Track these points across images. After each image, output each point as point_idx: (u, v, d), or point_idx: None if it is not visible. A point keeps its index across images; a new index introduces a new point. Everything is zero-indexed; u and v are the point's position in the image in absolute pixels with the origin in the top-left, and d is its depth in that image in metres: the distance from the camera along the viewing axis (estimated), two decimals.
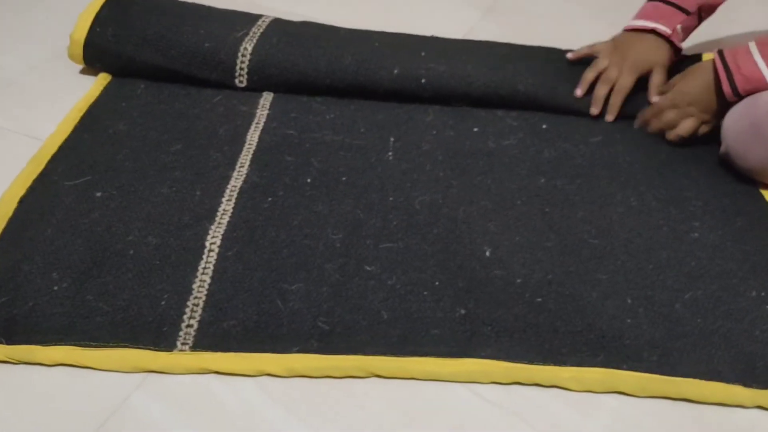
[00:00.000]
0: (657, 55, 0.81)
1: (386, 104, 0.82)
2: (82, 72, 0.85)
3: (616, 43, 0.83)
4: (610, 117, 0.82)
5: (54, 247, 0.60)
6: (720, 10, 0.85)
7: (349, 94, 0.82)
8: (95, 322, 0.54)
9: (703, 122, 0.77)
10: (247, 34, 0.82)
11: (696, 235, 0.68)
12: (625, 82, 0.80)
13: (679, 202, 0.71)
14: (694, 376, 0.54)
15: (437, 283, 0.60)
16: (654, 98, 0.80)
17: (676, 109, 0.77)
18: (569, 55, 0.86)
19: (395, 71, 0.80)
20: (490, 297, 0.59)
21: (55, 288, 0.56)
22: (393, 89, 0.81)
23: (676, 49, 0.82)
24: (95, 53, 0.82)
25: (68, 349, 0.52)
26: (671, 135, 0.78)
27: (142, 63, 0.81)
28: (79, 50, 0.82)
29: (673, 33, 0.80)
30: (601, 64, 0.81)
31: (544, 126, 0.81)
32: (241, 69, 0.81)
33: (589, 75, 0.81)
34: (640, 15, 0.83)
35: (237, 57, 0.80)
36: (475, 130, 0.79)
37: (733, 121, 0.73)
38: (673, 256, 0.65)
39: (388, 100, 0.82)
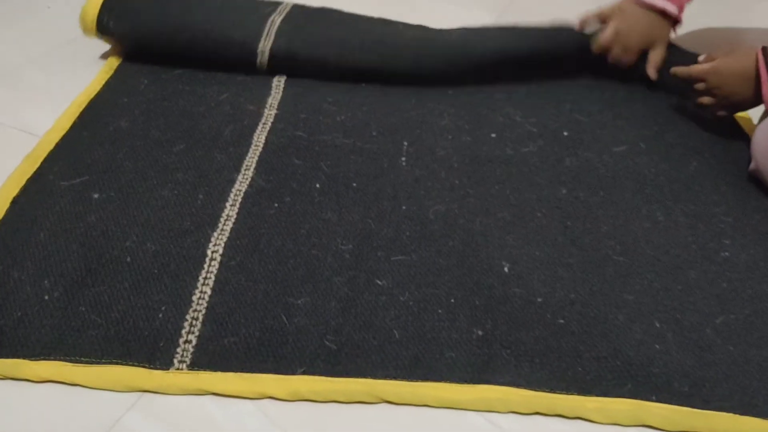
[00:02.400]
0: (660, 32, 0.83)
1: (400, 106, 0.79)
2: (84, 65, 0.81)
3: (621, 12, 0.84)
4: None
5: (47, 252, 0.57)
6: (736, 8, 0.84)
7: (371, 74, 0.82)
8: (87, 335, 0.51)
9: (722, 107, 0.77)
10: (274, 10, 0.83)
11: (726, 254, 0.64)
12: (627, 62, 0.84)
13: (708, 218, 0.67)
14: (728, 410, 0.50)
15: (452, 300, 0.56)
16: (652, 73, 0.83)
17: (704, 84, 0.76)
18: (577, 24, 0.87)
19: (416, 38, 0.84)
20: (509, 317, 0.55)
21: (46, 297, 0.53)
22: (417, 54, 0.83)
23: (676, 23, 0.84)
24: (110, 16, 0.80)
25: (57, 364, 0.49)
26: (690, 103, 0.79)
27: (159, 31, 0.79)
28: (95, 11, 0.79)
29: (680, 12, 0.82)
30: (607, 35, 0.83)
31: (565, 133, 0.77)
32: (266, 41, 0.80)
33: (596, 50, 0.84)
34: None
35: (264, 27, 0.80)
36: (493, 135, 0.76)
37: (764, 137, 0.70)
38: (703, 277, 0.61)
39: (410, 78, 0.83)
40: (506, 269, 0.60)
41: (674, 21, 0.84)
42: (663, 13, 0.82)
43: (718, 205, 0.69)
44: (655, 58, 0.84)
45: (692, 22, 0.93)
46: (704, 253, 0.63)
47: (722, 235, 0.66)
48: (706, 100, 0.77)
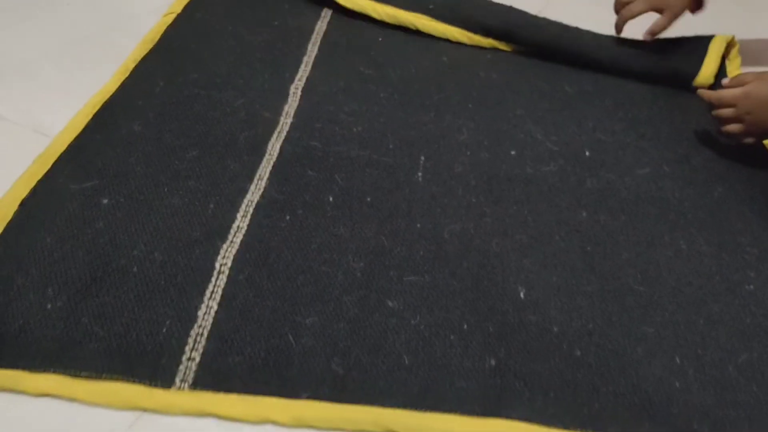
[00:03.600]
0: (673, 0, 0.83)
1: (418, 118, 0.77)
2: (101, 63, 0.80)
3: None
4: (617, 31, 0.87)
5: (52, 258, 0.55)
6: (747, 18, 0.82)
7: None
8: (89, 348, 0.49)
9: (751, 134, 0.73)
10: None
11: (751, 287, 0.61)
12: (635, 8, 0.84)
13: (733, 248, 0.65)
14: None
15: (465, 326, 0.55)
16: (646, 36, 0.85)
17: (733, 109, 0.73)
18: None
19: None
20: (524, 346, 0.54)
21: (49, 306, 0.52)
22: None
23: (698, 3, 0.85)
24: None
25: (57, 378, 0.47)
26: (719, 128, 0.75)
27: None
28: None
29: None
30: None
31: (587, 153, 0.75)
32: None
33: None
34: None
35: None
36: (512, 153, 0.74)
37: None
38: (726, 310, 0.59)
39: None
40: (522, 295, 0.58)
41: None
42: None
43: (743, 234, 0.67)
44: (657, 22, 0.84)
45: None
46: (728, 286, 0.61)
47: (747, 266, 0.63)
48: (734, 127, 0.73)
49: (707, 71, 0.86)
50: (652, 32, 0.85)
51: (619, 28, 0.87)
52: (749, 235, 0.67)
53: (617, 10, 0.87)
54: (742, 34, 0.94)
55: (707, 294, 0.60)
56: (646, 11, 0.84)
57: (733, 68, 0.89)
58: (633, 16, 0.85)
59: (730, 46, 0.91)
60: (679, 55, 0.88)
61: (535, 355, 0.53)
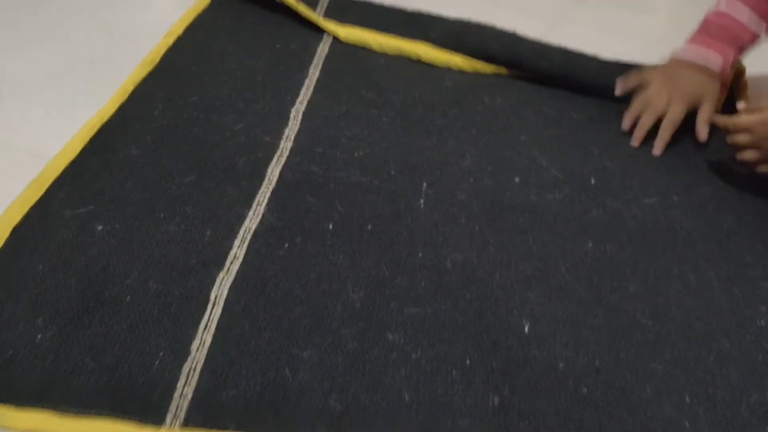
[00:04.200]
0: (707, 89, 0.79)
1: (421, 144, 0.76)
2: (101, 86, 0.79)
3: (666, 71, 0.81)
4: (657, 150, 0.78)
5: (44, 287, 0.54)
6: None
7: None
8: (78, 382, 0.48)
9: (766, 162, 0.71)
10: None
11: (763, 322, 0.60)
12: (676, 115, 0.77)
13: (743, 281, 0.63)
14: None
15: (468, 361, 0.53)
16: (702, 135, 0.77)
17: (749, 136, 0.70)
18: (617, 88, 0.83)
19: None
20: (528, 383, 0.52)
21: (39, 337, 0.50)
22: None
23: (724, 81, 0.80)
24: None
25: (44, 414, 0.46)
26: (733, 155, 0.73)
27: None
28: None
29: (724, 67, 0.78)
30: (650, 93, 0.79)
31: (592, 180, 0.73)
32: None
33: (637, 105, 0.79)
34: (691, 46, 0.80)
35: None
36: (517, 180, 0.72)
37: None
38: (737, 347, 0.57)
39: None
40: (526, 329, 0.56)
41: (723, 78, 0.80)
42: (708, 69, 0.79)
43: (754, 267, 0.65)
44: (704, 117, 0.78)
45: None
46: (739, 321, 0.59)
47: (758, 301, 0.61)
48: (750, 155, 0.71)
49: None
50: (707, 130, 0.78)
51: (667, 138, 0.78)
52: (760, 268, 0.65)
53: (629, 126, 0.80)
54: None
55: (717, 329, 0.58)
56: (686, 111, 0.78)
57: (743, 96, 0.88)
58: (676, 126, 0.78)
59: (738, 73, 0.90)
60: None
61: (540, 392, 0.51)
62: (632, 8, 1.18)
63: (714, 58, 0.79)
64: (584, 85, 0.87)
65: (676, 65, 0.80)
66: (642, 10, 1.18)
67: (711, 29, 0.80)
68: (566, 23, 1.09)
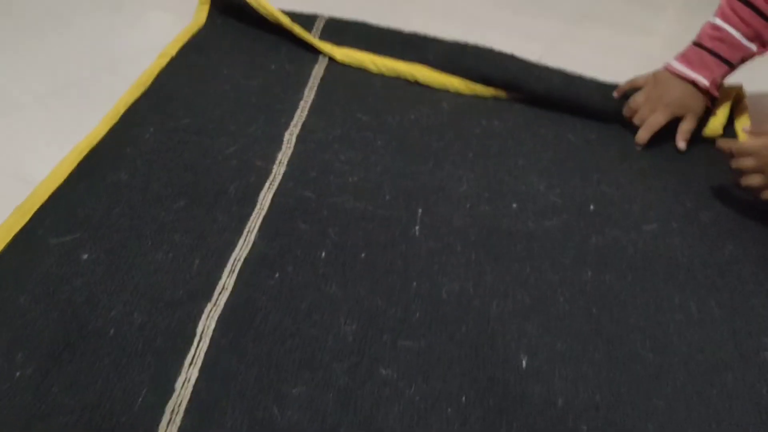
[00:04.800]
0: (692, 102, 0.82)
1: (416, 168, 0.74)
2: (92, 106, 0.78)
3: (656, 80, 0.83)
4: (639, 140, 0.82)
5: (25, 320, 0.52)
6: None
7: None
8: (58, 422, 0.46)
9: None
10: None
11: (766, 354, 0.58)
12: (657, 120, 0.81)
13: (746, 311, 0.62)
14: None
15: (464, 398, 0.51)
16: (680, 143, 0.81)
17: (754, 160, 0.69)
18: (615, 93, 0.86)
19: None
20: (526, 421, 0.50)
21: (18, 374, 0.48)
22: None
23: (711, 98, 0.83)
24: None
25: None
26: (737, 180, 0.72)
27: None
28: None
29: (712, 85, 0.80)
30: (638, 99, 0.83)
31: (591, 207, 0.72)
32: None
33: (626, 112, 0.84)
34: (684, 59, 0.82)
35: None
36: (514, 206, 0.71)
37: None
38: (741, 381, 0.55)
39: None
40: (524, 363, 0.54)
41: (710, 95, 0.81)
42: (696, 85, 0.80)
43: (756, 296, 0.63)
44: (684, 128, 0.82)
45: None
46: (742, 353, 0.58)
47: (761, 332, 0.60)
48: (754, 180, 0.69)
49: (716, 122, 0.84)
50: (686, 140, 0.82)
51: (642, 140, 0.82)
52: (762, 297, 0.63)
53: (629, 116, 0.84)
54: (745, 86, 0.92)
55: (720, 362, 0.56)
56: (668, 120, 0.81)
57: (742, 120, 0.87)
58: (655, 130, 0.81)
59: (738, 96, 0.89)
60: None
61: (538, 431, 0.49)
62: (629, 30, 1.17)
63: (702, 78, 0.80)
64: (582, 106, 0.86)
65: (667, 75, 0.83)
66: (639, 32, 1.18)
67: (705, 41, 0.81)
68: (563, 44, 1.08)
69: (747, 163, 0.69)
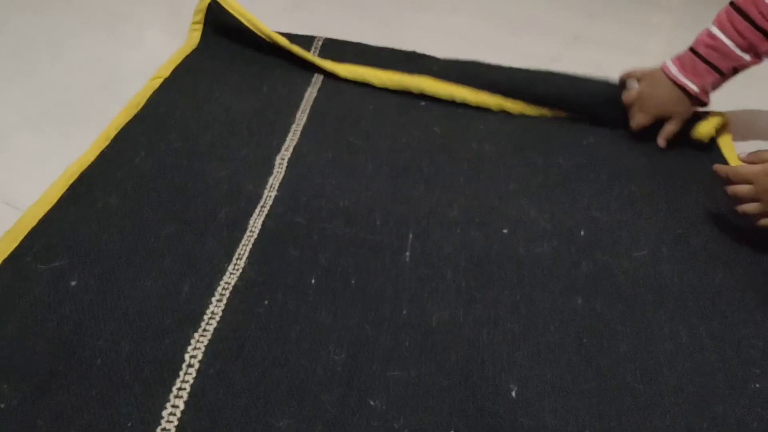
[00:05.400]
0: (679, 106, 0.85)
1: (407, 193, 0.74)
2: (82, 130, 0.78)
3: (651, 78, 0.86)
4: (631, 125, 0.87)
5: (11, 349, 0.52)
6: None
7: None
8: None
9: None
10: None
11: (757, 385, 0.58)
12: (640, 121, 0.86)
13: (736, 341, 0.62)
14: None
15: (453, 431, 0.51)
16: (660, 142, 0.86)
17: (751, 186, 0.69)
18: (620, 77, 0.90)
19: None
20: None
21: (2, 406, 0.48)
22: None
23: (701, 103, 0.85)
24: None
25: None
26: (733, 207, 0.72)
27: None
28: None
29: (701, 92, 0.83)
30: (632, 94, 0.87)
31: (581, 232, 0.72)
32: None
33: (624, 99, 0.88)
34: (678, 62, 0.84)
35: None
36: (505, 231, 0.71)
37: None
38: (731, 413, 0.55)
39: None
40: (514, 393, 0.54)
41: (699, 101, 0.84)
42: (685, 90, 0.83)
43: (747, 325, 0.63)
44: (668, 129, 0.85)
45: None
46: (732, 384, 0.57)
47: (751, 363, 0.60)
48: (751, 207, 0.69)
49: (709, 126, 0.87)
50: (666, 139, 0.86)
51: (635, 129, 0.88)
52: (752, 326, 0.63)
53: (625, 106, 0.89)
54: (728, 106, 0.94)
55: (710, 393, 0.56)
56: (651, 122, 0.86)
57: (724, 137, 0.90)
58: (639, 129, 0.87)
59: (722, 128, 0.90)
60: None
61: None
62: (626, 50, 1.18)
63: (692, 85, 0.83)
64: (587, 109, 0.90)
65: (661, 75, 0.85)
66: (634, 53, 1.19)
67: (699, 48, 0.83)
68: (559, 65, 1.09)
69: (743, 189, 0.69)
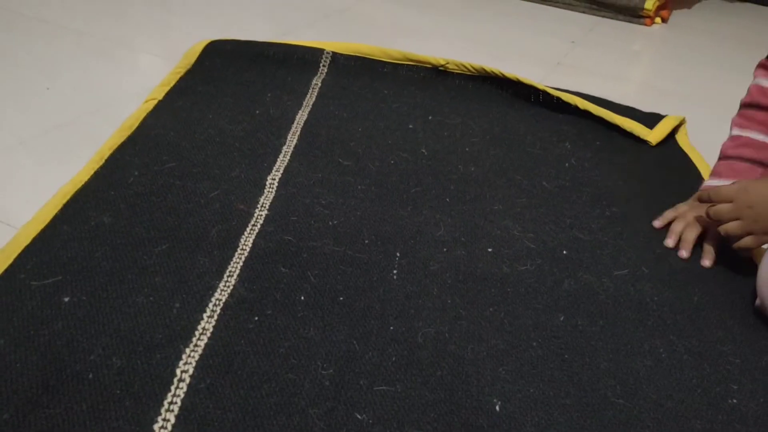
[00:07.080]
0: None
1: (395, 213, 0.76)
2: (76, 151, 0.79)
3: (693, 204, 0.81)
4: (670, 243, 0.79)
5: (3, 363, 0.52)
6: None
7: None
8: None
9: (751, 232, 0.70)
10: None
11: (734, 401, 0.59)
12: (691, 235, 0.77)
13: (714, 357, 0.63)
14: None
15: None
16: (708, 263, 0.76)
17: (731, 205, 0.71)
18: (656, 223, 0.81)
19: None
20: None
21: None
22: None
23: None
24: None
25: None
26: (719, 227, 0.72)
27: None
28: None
29: None
30: (681, 212, 0.80)
31: (564, 252, 0.74)
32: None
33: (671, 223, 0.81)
34: (714, 174, 0.82)
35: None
36: (489, 250, 0.73)
37: None
38: (709, 428, 0.57)
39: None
40: (497, 407, 0.55)
41: None
42: None
43: (724, 343, 0.65)
44: (707, 247, 0.77)
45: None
46: (710, 400, 0.59)
47: (729, 379, 0.61)
48: (732, 227, 0.70)
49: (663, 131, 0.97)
50: (711, 260, 0.76)
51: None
52: (730, 343, 0.65)
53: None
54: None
55: (689, 409, 0.58)
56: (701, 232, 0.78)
57: (682, 135, 1.01)
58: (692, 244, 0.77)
59: (678, 126, 1.01)
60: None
61: None
62: (607, 76, 1.22)
63: (734, 180, 0.78)
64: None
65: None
66: (615, 79, 1.22)
67: (729, 152, 0.81)
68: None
69: (724, 208, 0.71)
